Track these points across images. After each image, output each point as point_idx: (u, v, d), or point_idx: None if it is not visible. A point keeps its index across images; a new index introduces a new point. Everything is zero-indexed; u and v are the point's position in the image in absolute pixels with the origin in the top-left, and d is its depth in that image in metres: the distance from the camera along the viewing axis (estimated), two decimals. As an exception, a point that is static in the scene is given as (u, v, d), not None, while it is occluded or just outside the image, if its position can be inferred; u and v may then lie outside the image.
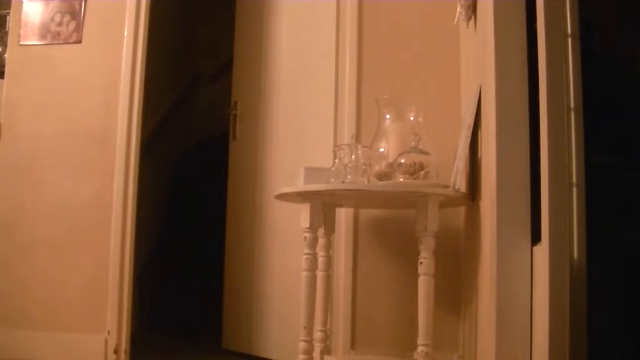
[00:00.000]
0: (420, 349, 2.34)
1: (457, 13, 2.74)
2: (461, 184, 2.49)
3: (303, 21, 3.36)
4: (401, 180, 2.43)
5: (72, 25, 3.25)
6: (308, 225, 2.49)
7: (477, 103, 2.49)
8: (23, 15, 3.29)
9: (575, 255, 1.92)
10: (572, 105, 1.95)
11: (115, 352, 3.01)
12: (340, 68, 3.06)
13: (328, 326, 2.76)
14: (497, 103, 2.20)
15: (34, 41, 3.28)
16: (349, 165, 2.50)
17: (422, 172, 2.42)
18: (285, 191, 2.54)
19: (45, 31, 3.27)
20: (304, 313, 2.49)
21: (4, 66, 3.32)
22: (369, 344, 2.88)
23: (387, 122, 2.67)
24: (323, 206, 2.58)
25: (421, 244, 2.37)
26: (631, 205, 2.23)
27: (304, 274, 2.51)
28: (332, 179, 2.49)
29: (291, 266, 3.00)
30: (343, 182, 2.47)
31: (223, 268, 3.63)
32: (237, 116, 3.65)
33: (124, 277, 3.06)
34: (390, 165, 2.53)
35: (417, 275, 2.37)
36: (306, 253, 2.51)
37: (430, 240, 2.36)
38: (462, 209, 2.80)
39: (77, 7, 3.27)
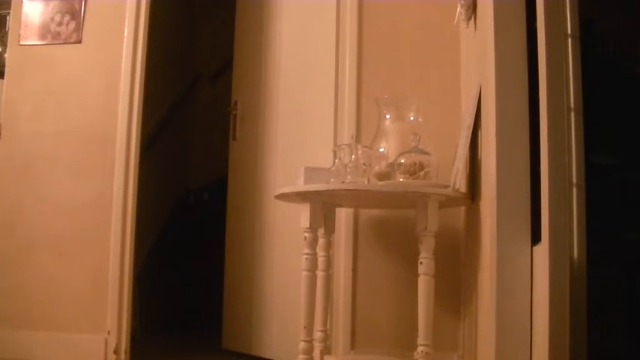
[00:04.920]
0: (420, 349, 2.34)
1: (457, 13, 2.74)
2: (461, 184, 2.49)
3: (303, 21, 3.36)
4: (401, 180, 2.43)
5: (72, 25, 3.25)
6: (308, 225, 2.49)
7: (476, 103, 2.49)
8: (23, 15, 3.29)
9: (575, 255, 1.92)
10: (572, 105, 1.95)
11: (115, 352, 3.01)
12: (340, 68, 3.06)
13: (328, 326, 2.76)
14: (497, 103, 2.20)
15: (34, 41, 3.28)
16: (349, 165, 2.50)
17: (422, 172, 2.42)
18: (285, 191, 2.54)
19: (45, 31, 3.27)
20: (304, 313, 2.49)
21: (4, 66, 3.32)
22: (369, 344, 2.88)
23: (387, 122, 2.67)
24: (323, 206, 2.58)
25: (421, 244, 2.36)
26: (631, 205, 2.23)
27: (304, 274, 2.51)
28: (332, 179, 2.49)
29: (291, 266, 3.00)
30: (343, 182, 2.47)
31: (223, 268, 3.63)
32: (237, 116, 3.65)
33: (124, 277, 3.06)
34: (390, 165, 2.53)
35: (417, 275, 2.37)
36: (306, 253, 2.51)
37: (430, 240, 2.36)
38: (462, 209, 2.80)
39: (77, 7, 3.27)
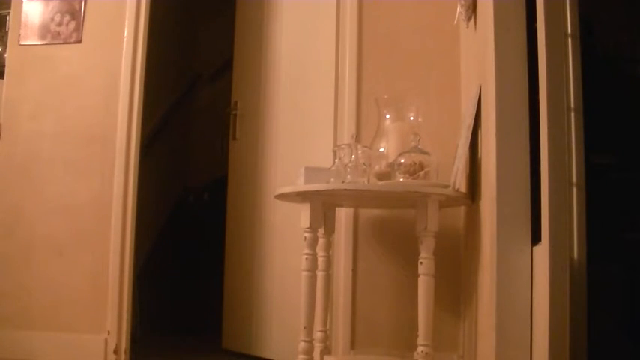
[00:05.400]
0: (420, 349, 2.34)
1: (457, 13, 2.74)
2: (461, 184, 2.49)
3: (303, 21, 3.36)
4: (401, 180, 2.43)
5: (72, 25, 3.25)
6: (308, 225, 2.49)
7: (476, 103, 2.49)
8: (23, 15, 3.29)
9: (575, 255, 1.92)
10: (572, 105, 1.95)
11: (115, 352, 3.01)
12: (340, 68, 3.06)
13: (328, 326, 2.76)
14: (497, 103, 2.20)
15: (34, 41, 3.28)
16: (349, 165, 2.50)
17: (422, 172, 2.42)
18: (285, 191, 2.54)
19: (45, 31, 3.27)
20: (304, 313, 2.49)
21: (4, 66, 3.32)
22: (369, 344, 2.88)
23: (387, 122, 2.67)
24: (323, 206, 2.58)
25: (421, 244, 2.37)
26: (631, 205, 2.23)
27: (304, 274, 2.51)
28: (332, 179, 2.49)
29: (291, 266, 3.00)
30: (343, 182, 2.47)
31: (223, 268, 3.63)
32: (237, 116, 3.65)
33: (124, 277, 3.06)
34: (390, 165, 2.53)
35: (417, 275, 2.37)
36: (306, 253, 2.51)
37: (430, 240, 2.36)
38: (462, 209, 2.80)
39: (77, 7, 3.27)
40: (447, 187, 2.42)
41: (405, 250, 2.79)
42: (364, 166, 2.51)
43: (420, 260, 2.36)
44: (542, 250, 1.96)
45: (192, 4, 5.38)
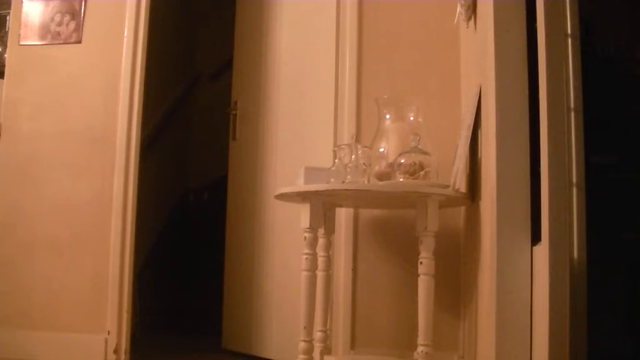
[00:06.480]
0: (420, 349, 2.34)
1: (457, 13, 2.74)
2: (461, 184, 2.49)
3: (303, 21, 3.36)
4: (401, 180, 2.43)
5: (72, 25, 3.25)
6: (308, 225, 2.49)
7: (476, 103, 2.49)
8: (23, 15, 3.29)
9: (575, 255, 1.92)
10: (572, 105, 1.95)
11: (115, 352, 3.01)
12: (340, 68, 3.06)
13: (328, 326, 2.76)
14: (497, 103, 2.20)
15: (34, 41, 3.28)
16: (349, 165, 2.50)
17: (422, 172, 2.42)
18: (285, 191, 2.54)
19: (45, 31, 3.27)
20: (304, 313, 2.49)
21: (4, 66, 3.32)
22: (369, 344, 2.88)
23: (387, 122, 2.67)
24: (323, 206, 2.58)
25: (421, 244, 2.37)
26: (631, 205, 2.23)
27: (304, 274, 2.51)
28: (332, 179, 2.49)
29: (291, 266, 3.00)
30: (343, 182, 2.47)
31: (223, 268, 3.63)
32: (237, 116, 3.65)
33: (124, 277, 3.06)
34: (390, 165, 2.53)
35: (417, 275, 2.37)
36: (306, 253, 2.51)
37: (430, 240, 2.36)
38: (462, 209, 2.80)
39: (77, 7, 3.27)
40: (447, 187, 2.42)
41: (405, 250, 2.79)
42: (364, 166, 2.51)
43: (420, 260, 2.36)
44: (542, 250, 1.96)
45: (192, 4, 5.38)
